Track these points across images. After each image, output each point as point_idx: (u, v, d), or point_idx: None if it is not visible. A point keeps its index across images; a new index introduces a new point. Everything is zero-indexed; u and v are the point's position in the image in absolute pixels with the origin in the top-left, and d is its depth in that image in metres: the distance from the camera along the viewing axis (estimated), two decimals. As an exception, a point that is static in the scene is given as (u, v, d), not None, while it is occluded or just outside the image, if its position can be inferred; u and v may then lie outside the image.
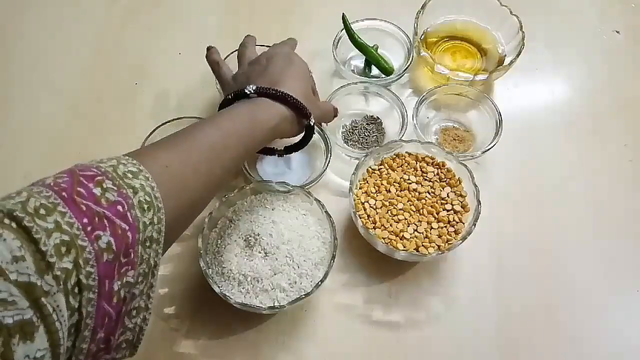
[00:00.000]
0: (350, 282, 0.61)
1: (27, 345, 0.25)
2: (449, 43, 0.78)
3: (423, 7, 0.74)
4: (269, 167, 0.67)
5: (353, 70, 0.75)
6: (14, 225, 0.27)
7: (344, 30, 0.73)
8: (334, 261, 0.55)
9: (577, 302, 0.61)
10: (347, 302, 0.60)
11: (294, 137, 0.57)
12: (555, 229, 0.66)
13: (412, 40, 0.74)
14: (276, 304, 0.54)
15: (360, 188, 0.63)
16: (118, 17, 0.80)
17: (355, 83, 0.70)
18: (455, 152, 0.68)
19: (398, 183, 0.63)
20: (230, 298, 0.53)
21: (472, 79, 0.70)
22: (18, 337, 0.25)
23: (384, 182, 0.63)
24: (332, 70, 0.76)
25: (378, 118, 0.72)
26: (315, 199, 0.59)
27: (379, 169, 0.64)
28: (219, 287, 0.54)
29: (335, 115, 0.64)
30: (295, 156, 0.67)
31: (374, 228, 0.60)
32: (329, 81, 0.75)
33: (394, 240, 0.59)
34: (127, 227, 0.31)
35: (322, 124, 0.65)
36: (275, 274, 0.55)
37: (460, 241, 0.58)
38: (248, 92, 0.51)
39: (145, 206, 0.33)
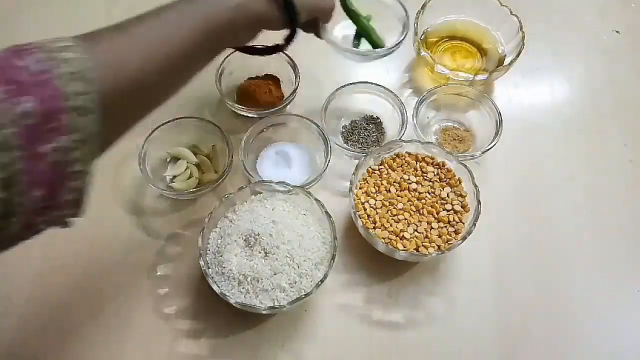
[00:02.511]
0: (350, 282, 0.61)
1: None
2: (449, 43, 0.78)
3: (423, 7, 0.74)
4: (269, 167, 0.67)
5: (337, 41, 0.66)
6: None
7: None
8: (334, 261, 0.55)
9: (577, 301, 0.61)
10: (347, 302, 0.60)
11: (278, 28, 0.53)
12: (555, 229, 0.66)
13: (408, 18, 0.68)
14: (276, 304, 0.54)
15: (360, 188, 0.63)
16: (118, 18, 0.80)
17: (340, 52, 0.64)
18: (455, 152, 0.68)
19: (398, 183, 0.63)
20: (230, 298, 0.53)
21: (472, 79, 0.70)
22: None
23: (384, 182, 0.63)
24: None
25: (378, 118, 0.72)
26: (315, 199, 0.59)
27: (379, 169, 0.64)
28: (219, 287, 0.54)
29: (330, 11, 0.58)
30: (295, 156, 0.67)
31: (374, 228, 0.60)
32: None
33: (394, 240, 0.59)
34: (51, 94, 0.33)
35: (323, 28, 0.59)
36: (275, 274, 0.55)
37: (460, 241, 0.58)
38: None
39: (74, 76, 0.34)
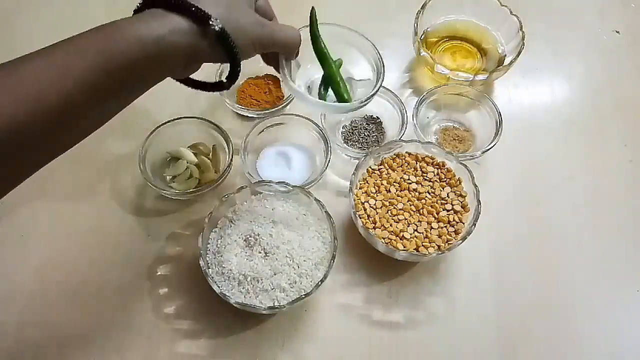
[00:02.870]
0: (350, 282, 0.61)
1: None
2: (449, 43, 0.78)
3: (423, 7, 0.74)
4: (269, 167, 0.67)
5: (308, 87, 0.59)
6: None
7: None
8: (334, 261, 0.55)
9: (577, 302, 0.61)
10: (347, 302, 0.60)
11: (217, 60, 0.46)
12: (555, 228, 0.66)
13: (383, 66, 0.58)
14: (276, 304, 0.54)
15: (360, 188, 0.63)
16: (118, 17, 0.80)
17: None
18: (455, 152, 0.68)
19: (398, 183, 0.63)
20: (230, 298, 0.53)
21: (472, 79, 0.70)
22: None
23: (384, 182, 0.63)
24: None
25: (378, 118, 0.72)
26: (315, 199, 0.59)
27: (379, 169, 0.64)
28: (219, 287, 0.54)
29: (294, 46, 0.51)
30: (295, 156, 0.67)
31: (374, 228, 0.60)
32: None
33: (394, 240, 0.59)
34: None
35: (283, 62, 0.52)
36: (275, 274, 0.55)
37: (460, 241, 0.58)
38: (137, 6, 0.43)
39: None
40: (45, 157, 0.39)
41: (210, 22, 0.41)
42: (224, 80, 0.48)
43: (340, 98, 0.57)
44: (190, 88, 0.51)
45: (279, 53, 0.52)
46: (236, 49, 0.44)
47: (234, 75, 0.47)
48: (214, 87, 0.51)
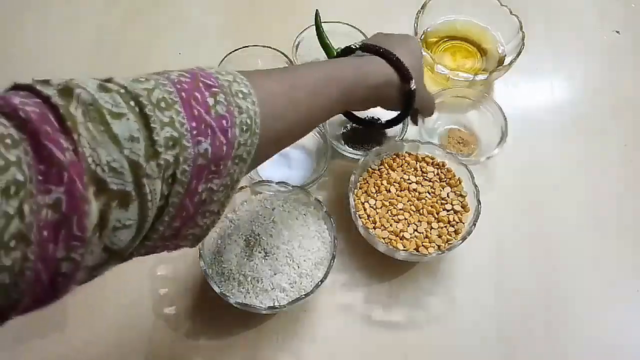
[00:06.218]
0: (350, 282, 0.61)
1: (122, 212, 0.29)
2: (449, 43, 0.78)
3: (423, 7, 0.74)
4: (269, 167, 0.67)
5: None
6: (137, 109, 0.30)
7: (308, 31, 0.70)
8: (334, 261, 0.55)
9: (577, 301, 0.61)
10: (347, 302, 0.60)
11: (392, 109, 0.57)
12: (555, 228, 0.66)
13: None
14: (276, 304, 0.54)
15: (360, 188, 0.63)
16: (118, 17, 0.80)
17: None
18: (459, 155, 0.68)
19: (398, 183, 0.63)
20: (230, 298, 0.53)
21: (472, 79, 0.70)
22: (117, 203, 0.29)
23: (384, 182, 0.63)
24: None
25: (379, 119, 0.72)
26: (315, 199, 0.59)
27: (379, 169, 0.64)
28: (219, 287, 0.54)
29: (432, 112, 0.63)
30: (295, 156, 0.67)
31: (374, 228, 0.60)
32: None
33: (394, 240, 0.59)
34: (225, 142, 0.34)
35: (420, 118, 0.64)
36: (275, 274, 0.55)
37: (460, 241, 0.58)
38: (353, 47, 0.53)
39: (245, 127, 0.36)
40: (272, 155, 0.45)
41: (411, 84, 0.52)
42: (382, 122, 0.63)
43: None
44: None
45: (420, 111, 0.63)
46: (413, 106, 0.55)
47: (395, 122, 0.60)
48: (369, 123, 0.64)
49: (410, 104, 0.54)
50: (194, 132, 0.33)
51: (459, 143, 0.70)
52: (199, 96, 0.34)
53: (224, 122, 0.34)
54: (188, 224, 0.35)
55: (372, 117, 0.69)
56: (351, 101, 0.49)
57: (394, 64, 0.51)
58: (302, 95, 0.43)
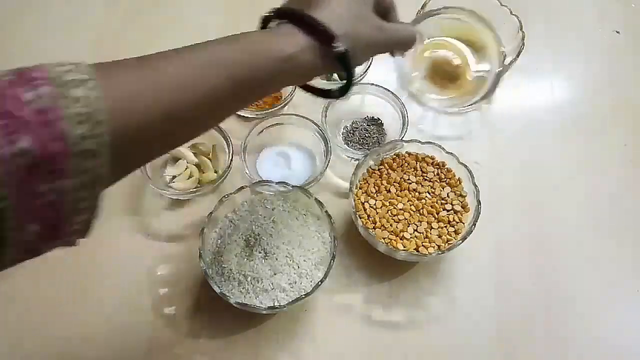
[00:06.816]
0: (350, 282, 0.61)
1: None
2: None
3: (423, 7, 0.74)
4: (269, 167, 0.67)
5: None
6: None
7: None
8: (334, 261, 0.55)
9: (577, 301, 0.61)
10: (347, 302, 0.60)
11: (327, 73, 0.47)
12: (555, 228, 0.66)
13: None
14: (276, 304, 0.54)
15: (360, 188, 0.63)
16: (118, 17, 0.81)
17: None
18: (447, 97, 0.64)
19: (398, 183, 0.63)
20: (230, 298, 0.53)
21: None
22: None
23: (384, 182, 0.63)
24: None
25: (379, 119, 0.72)
26: (315, 199, 0.59)
27: (379, 169, 0.64)
28: (219, 287, 0.54)
29: (410, 43, 0.51)
30: (295, 156, 0.67)
31: (374, 228, 0.60)
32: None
33: (394, 240, 0.59)
34: (55, 137, 0.31)
35: (397, 53, 0.54)
36: (275, 274, 0.55)
37: (460, 241, 0.58)
38: (267, 15, 0.45)
39: (81, 118, 0.32)
40: (155, 154, 0.41)
41: (334, 45, 0.42)
42: (334, 89, 0.48)
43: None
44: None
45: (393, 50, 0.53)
46: (353, 70, 0.45)
47: (347, 88, 0.47)
48: (322, 93, 0.51)
49: (347, 65, 0.44)
50: (6, 131, 0.30)
51: (444, 79, 0.64)
52: (16, 91, 0.31)
53: (50, 115, 0.31)
54: (60, 224, 0.34)
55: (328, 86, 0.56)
56: (255, 84, 0.41)
57: (305, 25, 0.42)
58: (176, 76, 0.38)
